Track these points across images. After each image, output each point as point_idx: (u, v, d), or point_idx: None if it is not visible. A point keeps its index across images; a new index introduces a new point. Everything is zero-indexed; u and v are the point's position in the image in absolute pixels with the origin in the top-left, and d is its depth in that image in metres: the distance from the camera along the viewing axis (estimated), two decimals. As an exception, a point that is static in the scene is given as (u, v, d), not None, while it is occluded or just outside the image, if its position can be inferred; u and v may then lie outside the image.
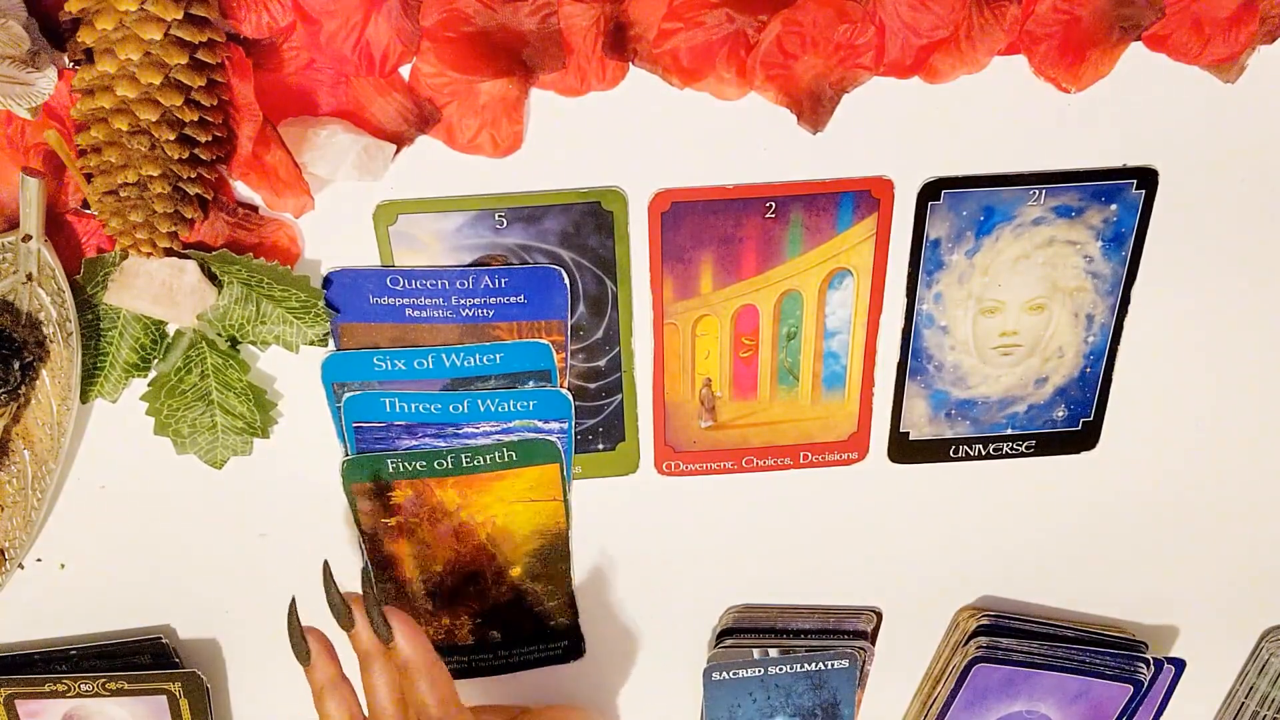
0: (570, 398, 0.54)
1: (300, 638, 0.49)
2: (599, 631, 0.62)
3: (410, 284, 0.50)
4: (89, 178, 0.44)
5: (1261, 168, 0.52)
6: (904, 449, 0.58)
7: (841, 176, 0.50)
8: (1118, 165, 0.51)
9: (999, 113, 0.49)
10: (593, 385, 0.54)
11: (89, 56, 0.41)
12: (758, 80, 0.45)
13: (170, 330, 0.50)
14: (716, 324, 0.53)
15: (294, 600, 0.50)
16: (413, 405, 0.53)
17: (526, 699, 0.63)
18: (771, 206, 0.50)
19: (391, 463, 0.54)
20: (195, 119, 0.43)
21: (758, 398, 0.55)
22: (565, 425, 0.54)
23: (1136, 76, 0.48)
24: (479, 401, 0.53)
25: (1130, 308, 0.55)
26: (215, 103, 0.43)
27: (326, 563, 0.49)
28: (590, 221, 0.50)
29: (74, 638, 0.58)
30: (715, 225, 0.51)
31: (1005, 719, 0.65)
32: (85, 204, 0.47)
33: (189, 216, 0.45)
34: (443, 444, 0.54)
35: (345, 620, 0.49)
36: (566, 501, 0.57)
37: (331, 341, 0.51)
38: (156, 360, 0.50)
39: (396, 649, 0.49)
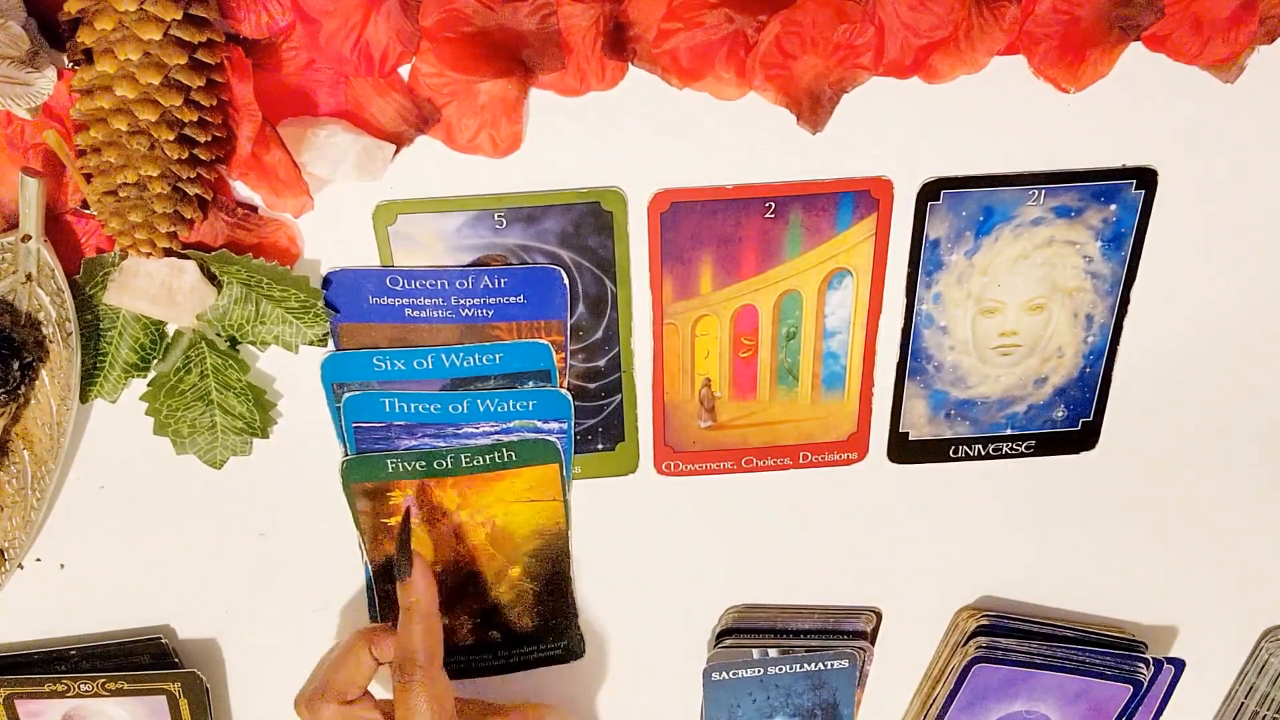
0: (570, 398, 0.54)
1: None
2: (599, 631, 0.62)
3: (410, 284, 0.50)
4: (88, 178, 0.44)
5: (1261, 168, 0.52)
6: (904, 449, 0.58)
7: (841, 176, 0.50)
8: (1118, 165, 0.51)
9: (999, 113, 0.49)
10: (592, 385, 0.54)
11: (88, 57, 0.41)
12: (757, 80, 0.45)
13: (170, 330, 0.50)
14: (716, 324, 0.53)
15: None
16: (412, 405, 0.53)
17: (526, 699, 0.63)
18: (771, 206, 0.50)
19: (391, 463, 0.54)
20: (195, 119, 0.43)
21: (757, 398, 0.55)
22: (565, 425, 0.54)
23: (1136, 76, 0.48)
24: (479, 401, 0.53)
25: (1130, 308, 0.55)
26: (215, 103, 0.43)
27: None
28: (590, 221, 0.50)
29: (74, 638, 0.58)
30: (715, 225, 0.51)
31: (1005, 719, 0.65)
32: (85, 204, 0.47)
33: (188, 216, 0.45)
34: (442, 444, 0.54)
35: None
36: (566, 501, 0.57)
37: (331, 341, 0.51)
38: (156, 360, 0.50)
39: (409, 587, 0.53)
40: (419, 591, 0.53)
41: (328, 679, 0.53)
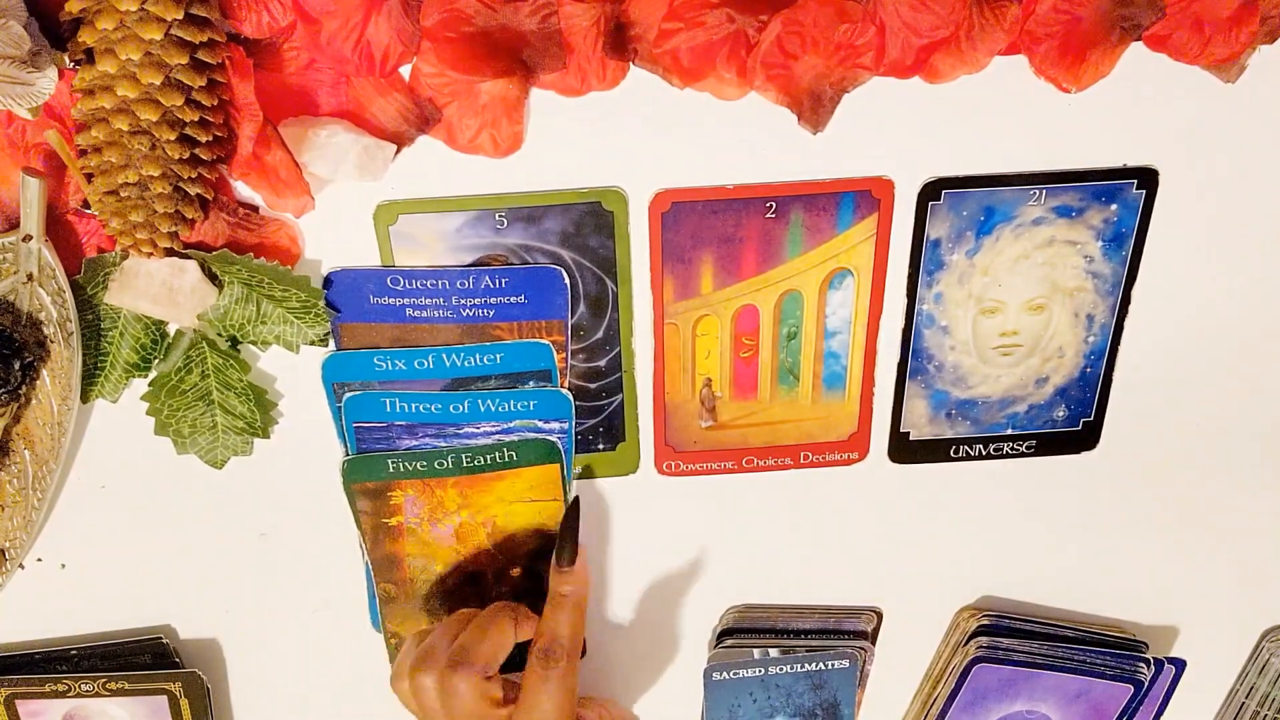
0: (570, 398, 0.54)
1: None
2: (599, 631, 0.62)
3: (410, 284, 0.50)
4: (89, 178, 0.44)
5: (1261, 168, 0.52)
6: (904, 449, 0.58)
7: (841, 176, 0.50)
8: (1118, 165, 0.51)
9: (999, 113, 0.49)
10: (593, 385, 0.54)
11: (89, 56, 0.41)
12: (758, 80, 0.45)
13: (171, 330, 0.50)
14: (717, 324, 0.53)
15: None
16: (413, 405, 0.53)
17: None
18: (771, 206, 0.50)
19: (392, 463, 0.54)
20: (196, 119, 0.43)
21: (758, 398, 0.55)
22: (565, 425, 0.54)
23: (1136, 76, 0.48)
24: (479, 401, 0.53)
25: (1130, 308, 0.55)
26: (216, 103, 0.43)
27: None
28: (590, 221, 0.50)
29: (74, 638, 0.58)
30: (715, 225, 0.51)
31: (1006, 719, 0.65)
32: (86, 204, 0.47)
33: (189, 216, 0.45)
34: (443, 444, 0.54)
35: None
36: (566, 501, 0.57)
37: (332, 341, 0.51)
38: (157, 360, 0.50)
39: (570, 576, 0.53)
40: (578, 581, 0.53)
41: (472, 647, 0.51)
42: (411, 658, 0.52)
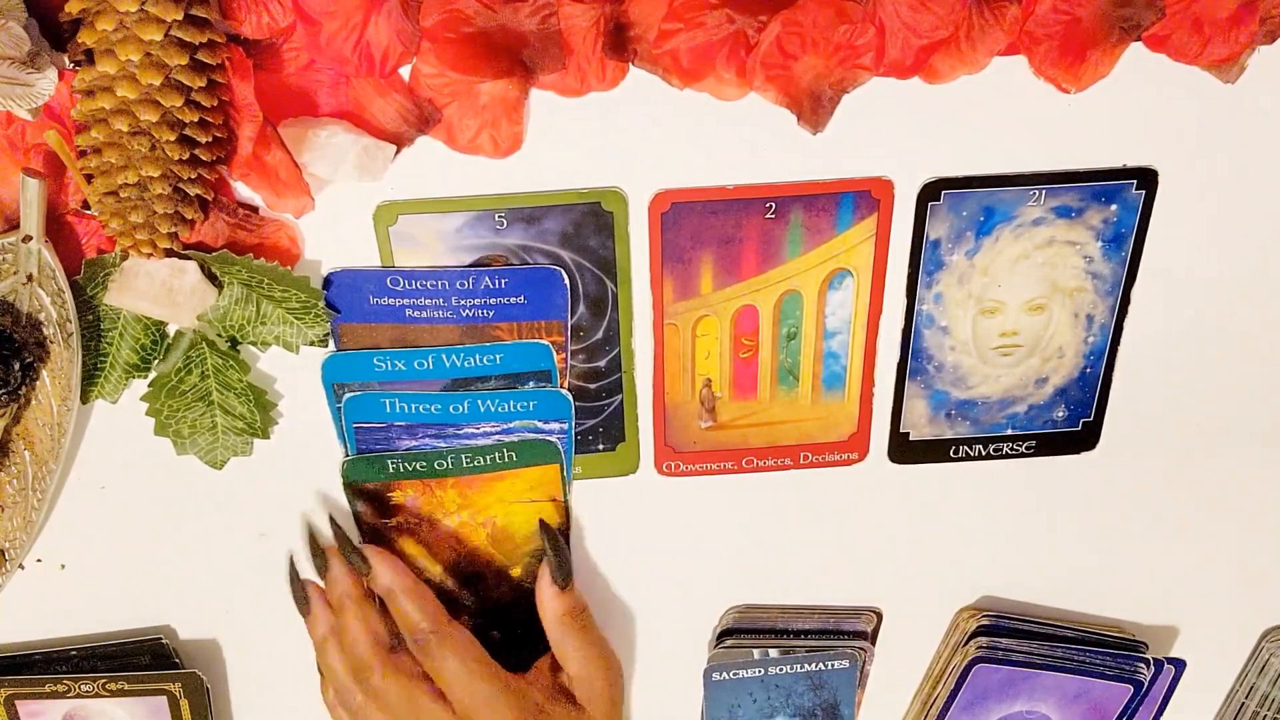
0: (570, 398, 0.54)
1: (302, 590, 0.55)
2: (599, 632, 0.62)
3: (410, 284, 0.50)
4: (89, 178, 0.44)
5: (1261, 168, 0.52)
6: (904, 449, 0.58)
7: (841, 177, 0.50)
8: (1118, 165, 0.51)
9: (999, 113, 0.49)
10: (593, 385, 0.54)
11: (89, 57, 0.41)
12: (758, 80, 0.45)
13: (170, 331, 0.50)
14: (716, 324, 0.53)
15: (291, 555, 0.56)
16: (413, 406, 0.53)
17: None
18: (771, 207, 0.50)
19: (391, 463, 0.54)
20: (195, 120, 0.43)
21: (758, 398, 0.55)
22: (565, 426, 0.54)
23: (1136, 76, 0.48)
24: (479, 402, 0.53)
25: (1130, 308, 0.55)
26: (215, 103, 0.43)
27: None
28: (590, 222, 0.50)
29: (74, 638, 0.58)
30: (715, 225, 0.51)
31: (1005, 719, 0.65)
32: (85, 205, 0.47)
33: (189, 217, 0.45)
34: (443, 444, 0.54)
35: (320, 563, 0.55)
36: (566, 502, 0.57)
37: (332, 342, 0.51)
38: (157, 361, 0.50)
39: (375, 577, 0.54)
40: (388, 576, 0.53)
41: (356, 647, 0.53)
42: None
